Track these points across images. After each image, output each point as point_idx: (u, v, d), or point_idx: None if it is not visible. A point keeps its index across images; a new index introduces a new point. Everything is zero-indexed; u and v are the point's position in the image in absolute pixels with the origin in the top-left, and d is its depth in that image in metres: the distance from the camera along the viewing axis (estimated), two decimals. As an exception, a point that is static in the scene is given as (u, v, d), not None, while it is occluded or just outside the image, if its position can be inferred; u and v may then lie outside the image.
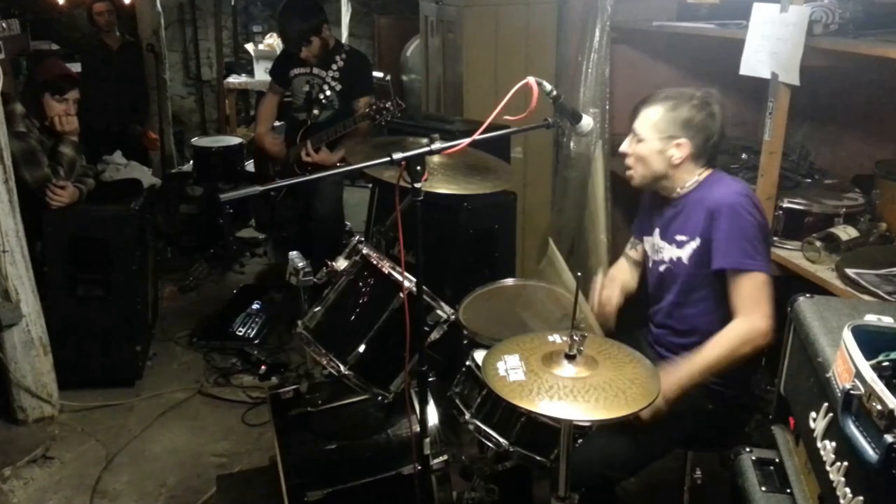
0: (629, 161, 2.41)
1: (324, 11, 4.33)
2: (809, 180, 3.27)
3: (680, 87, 2.42)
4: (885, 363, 1.35)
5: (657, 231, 2.49)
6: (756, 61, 2.83)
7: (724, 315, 2.26)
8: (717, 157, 2.43)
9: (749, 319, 2.17)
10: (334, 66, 4.32)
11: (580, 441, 2.24)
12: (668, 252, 2.42)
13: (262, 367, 4.10)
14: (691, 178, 2.36)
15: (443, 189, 2.46)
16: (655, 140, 2.33)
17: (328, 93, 4.33)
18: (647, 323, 2.60)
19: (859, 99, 3.38)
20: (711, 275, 2.27)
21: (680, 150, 2.31)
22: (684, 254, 2.36)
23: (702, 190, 2.35)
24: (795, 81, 2.65)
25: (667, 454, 2.38)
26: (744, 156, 3.60)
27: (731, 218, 2.20)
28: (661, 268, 2.46)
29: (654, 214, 2.52)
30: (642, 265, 2.67)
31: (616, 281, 2.66)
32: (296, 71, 4.43)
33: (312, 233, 4.50)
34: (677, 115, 2.31)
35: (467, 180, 2.59)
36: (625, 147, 2.42)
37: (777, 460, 1.79)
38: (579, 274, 2.22)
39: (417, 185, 2.02)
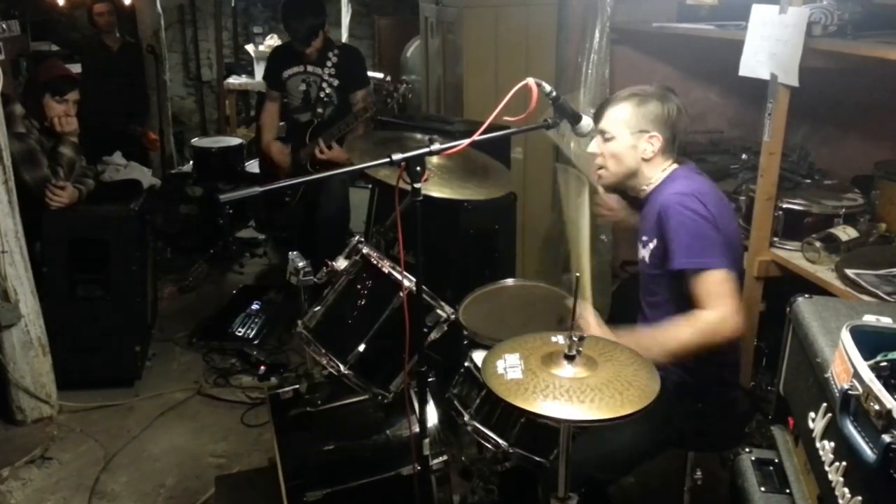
0: (600, 160, 2.42)
1: (325, 8, 4.36)
2: (809, 181, 3.27)
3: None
4: (884, 363, 1.35)
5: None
6: (755, 62, 2.84)
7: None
8: (683, 153, 2.47)
9: (718, 313, 2.15)
10: (329, 63, 4.32)
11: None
12: (639, 252, 2.44)
13: (262, 368, 4.10)
14: (656, 173, 2.38)
15: (437, 193, 2.46)
16: (627, 136, 2.34)
17: (327, 90, 4.33)
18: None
19: (858, 100, 3.38)
20: (669, 276, 2.27)
21: (652, 143, 2.33)
22: (646, 253, 2.38)
23: (661, 188, 2.36)
24: (795, 82, 2.66)
25: (659, 453, 2.38)
26: (744, 156, 3.61)
27: (676, 219, 2.21)
28: (638, 266, 2.49)
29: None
30: None
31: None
32: (290, 71, 4.42)
33: (317, 234, 4.50)
34: (646, 110, 2.33)
35: (463, 184, 2.59)
36: (594, 147, 2.43)
37: (776, 461, 1.79)
38: (578, 274, 2.22)
39: (417, 186, 2.02)
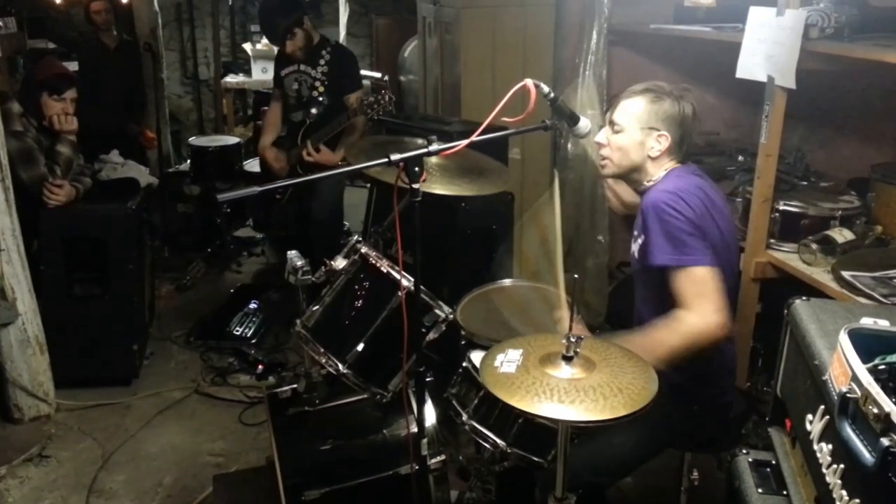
0: (605, 151, 2.39)
1: (302, 4, 4.36)
2: (805, 183, 3.28)
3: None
4: (882, 366, 1.36)
5: None
6: (752, 64, 2.84)
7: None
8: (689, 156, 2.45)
9: (699, 312, 2.13)
10: (321, 63, 4.35)
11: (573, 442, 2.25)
12: (631, 247, 2.45)
13: (259, 367, 4.11)
14: (659, 172, 2.36)
15: (438, 189, 2.46)
16: (636, 131, 2.32)
17: (320, 89, 4.35)
18: None
19: (855, 102, 3.40)
20: (656, 273, 2.25)
21: (660, 142, 2.32)
22: (636, 248, 2.39)
23: (654, 186, 2.35)
24: (791, 85, 2.66)
25: (656, 456, 2.39)
26: (740, 158, 3.62)
27: (658, 217, 2.20)
28: (630, 263, 2.51)
29: None
30: None
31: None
32: (286, 70, 4.45)
33: (310, 234, 4.51)
34: (659, 107, 2.31)
35: (462, 181, 2.59)
36: (601, 138, 2.40)
37: (774, 462, 1.79)
38: (576, 276, 2.23)
39: (415, 186, 2.03)
